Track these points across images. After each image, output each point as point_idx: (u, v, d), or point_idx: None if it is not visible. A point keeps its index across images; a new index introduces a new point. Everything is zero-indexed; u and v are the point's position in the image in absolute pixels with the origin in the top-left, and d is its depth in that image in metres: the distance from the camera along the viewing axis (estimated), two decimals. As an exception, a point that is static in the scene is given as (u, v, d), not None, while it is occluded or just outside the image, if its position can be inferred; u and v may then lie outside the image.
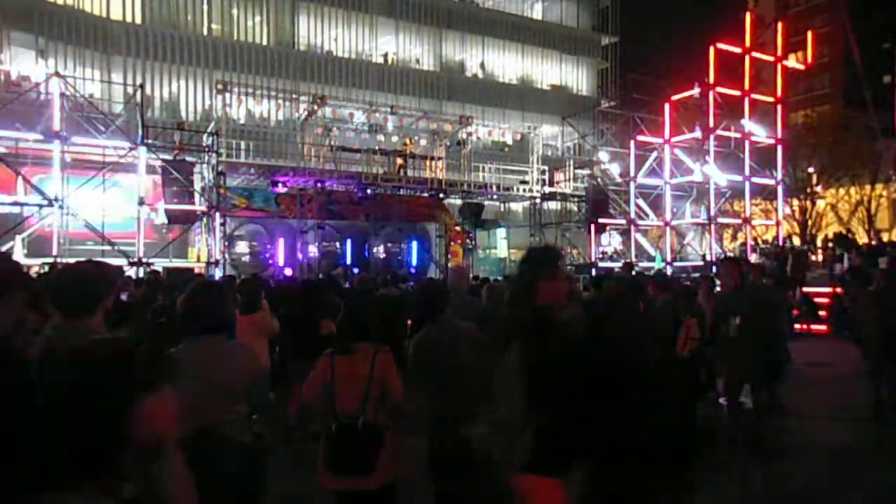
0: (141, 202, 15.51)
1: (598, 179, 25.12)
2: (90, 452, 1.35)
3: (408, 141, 23.15)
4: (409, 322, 9.60)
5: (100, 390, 1.36)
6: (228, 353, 3.02)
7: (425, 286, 4.60)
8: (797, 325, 14.60)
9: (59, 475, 1.34)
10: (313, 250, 20.62)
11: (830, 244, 23.04)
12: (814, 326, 14.92)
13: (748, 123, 23.26)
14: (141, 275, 13.33)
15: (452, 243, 23.74)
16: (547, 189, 24.52)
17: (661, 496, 2.63)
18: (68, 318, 2.70)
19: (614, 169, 25.43)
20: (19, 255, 14.81)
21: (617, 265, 21.68)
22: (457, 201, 24.42)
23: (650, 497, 2.64)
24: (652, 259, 23.34)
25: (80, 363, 1.40)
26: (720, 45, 22.44)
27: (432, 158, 23.44)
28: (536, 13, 39.37)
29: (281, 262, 20.08)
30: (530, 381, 2.66)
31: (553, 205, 26.69)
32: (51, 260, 13.41)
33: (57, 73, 15.44)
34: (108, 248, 14.96)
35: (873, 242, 23.62)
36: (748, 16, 24.11)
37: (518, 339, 2.77)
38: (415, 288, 9.96)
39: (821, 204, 31.96)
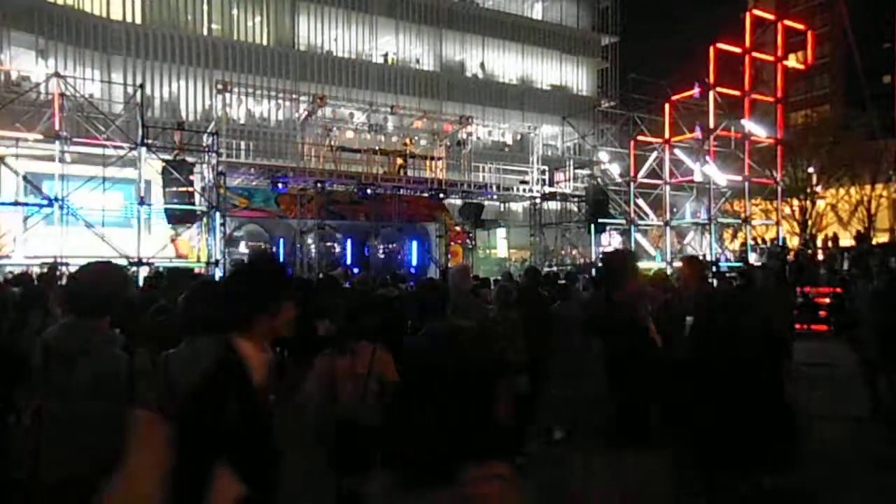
0: (141, 202, 15.51)
1: (598, 179, 25.08)
2: (492, 424, 1.52)
3: (408, 141, 23.14)
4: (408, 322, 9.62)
5: (491, 370, 1.52)
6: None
7: (425, 285, 4.60)
8: (797, 325, 14.60)
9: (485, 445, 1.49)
10: (313, 250, 20.62)
11: (830, 243, 23.05)
12: (814, 326, 14.93)
13: (748, 123, 23.24)
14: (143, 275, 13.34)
15: (452, 243, 23.73)
16: (547, 189, 24.51)
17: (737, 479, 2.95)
18: (80, 317, 2.83)
19: (614, 169, 25.40)
20: (19, 256, 14.82)
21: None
22: (457, 201, 24.40)
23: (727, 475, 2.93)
24: (652, 259, 23.33)
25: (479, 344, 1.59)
26: (720, 45, 22.44)
27: (432, 158, 23.43)
28: (536, 13, 39.37)
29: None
30: (614, 366, 3.03)
31: (553, 205, 26.67)
32: (50, 260, 13.41)
33: (57, 73, 15.43)
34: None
35: (875, 242, 23.63)
36: (748, 16, 24.11)
37: (601, 330, 3.18)
38: (415, 286, 9.91)
39: (821, 204, 31.95)
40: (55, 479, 2.66)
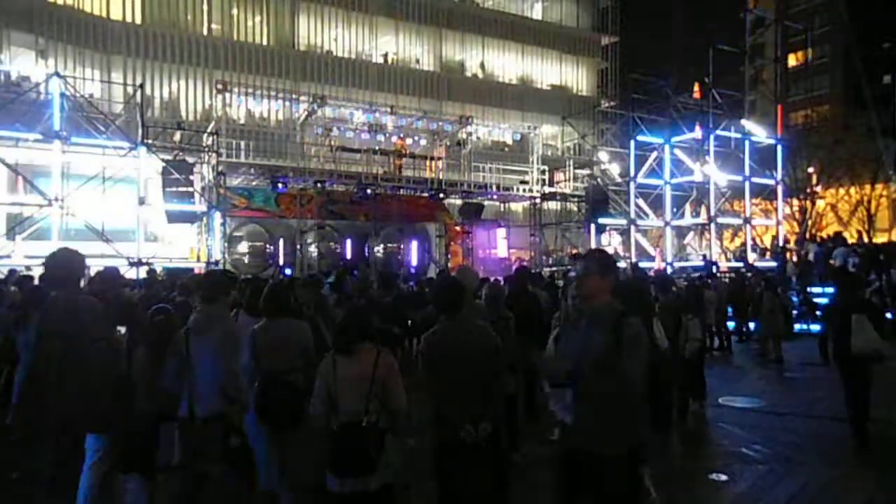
0: (141, 202, 15.50)
1: (598, 179, 25.09)
2: None
3: (398, 140, 23.09)
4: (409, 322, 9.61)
5: None
6: (293, 327, 4.54)
7: (447, 282, 4.45)
8: (797, 325, 14.70)
9: None
10: (313, 250, 20.61)
11: (831, 244, 22.98)
12: (813, 326, 14.92)
13: (748, 123, 23.24)
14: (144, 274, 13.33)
15: (452, 243, 23.73)
16: (547, 189, 24.51)
17: None
18: (206, 303, 4.36)
19: (614, 169, 25.40)
20: (19, 256, 14.80)
21: (618, 265, 21.60)
22: (457, 201, 24.40)
23: None
24: (651, 259, 23.32)
25: None
26: (720, 45, 22.44)
27: (432, 158, 23.43)
28: (536, 13, 39.36)
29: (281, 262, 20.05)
30: None
31: (553, 205, 26.66)
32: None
33: (57, 73, 15.42)
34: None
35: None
36: (748, 16, 24.12)
37: None
38: (435, 282, 9.74)
39: (821, 204, 31.93)
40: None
